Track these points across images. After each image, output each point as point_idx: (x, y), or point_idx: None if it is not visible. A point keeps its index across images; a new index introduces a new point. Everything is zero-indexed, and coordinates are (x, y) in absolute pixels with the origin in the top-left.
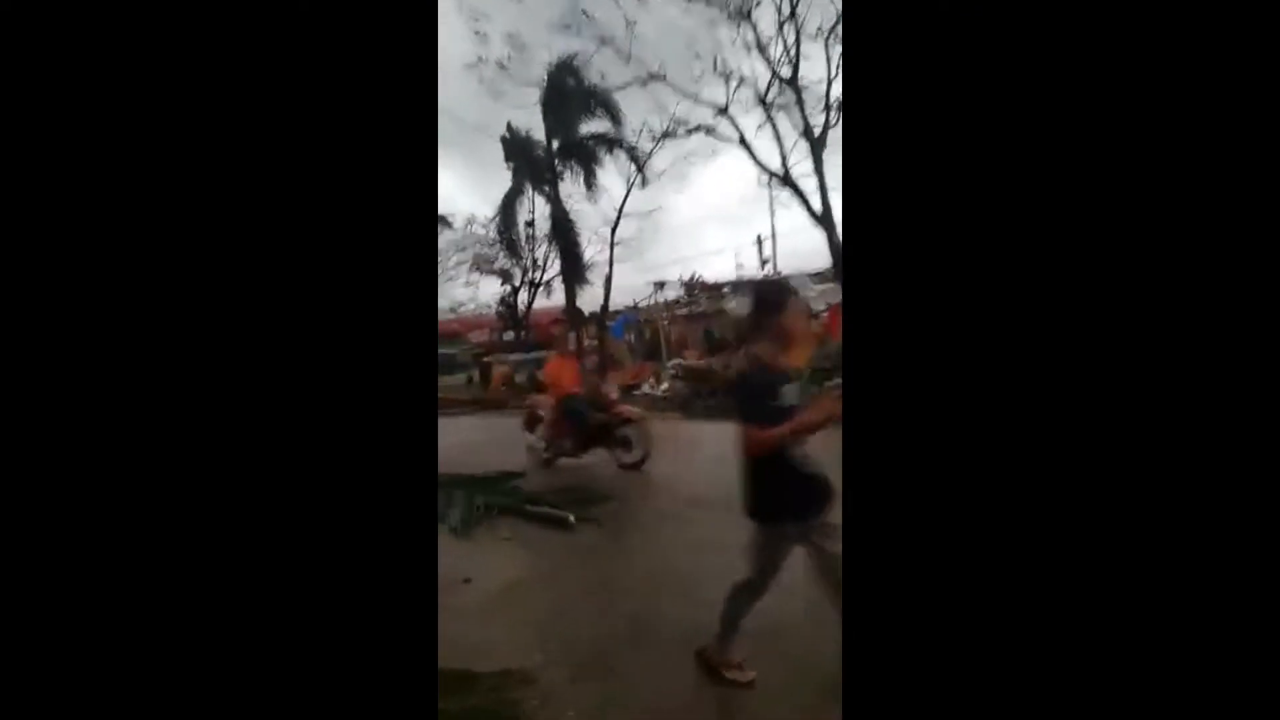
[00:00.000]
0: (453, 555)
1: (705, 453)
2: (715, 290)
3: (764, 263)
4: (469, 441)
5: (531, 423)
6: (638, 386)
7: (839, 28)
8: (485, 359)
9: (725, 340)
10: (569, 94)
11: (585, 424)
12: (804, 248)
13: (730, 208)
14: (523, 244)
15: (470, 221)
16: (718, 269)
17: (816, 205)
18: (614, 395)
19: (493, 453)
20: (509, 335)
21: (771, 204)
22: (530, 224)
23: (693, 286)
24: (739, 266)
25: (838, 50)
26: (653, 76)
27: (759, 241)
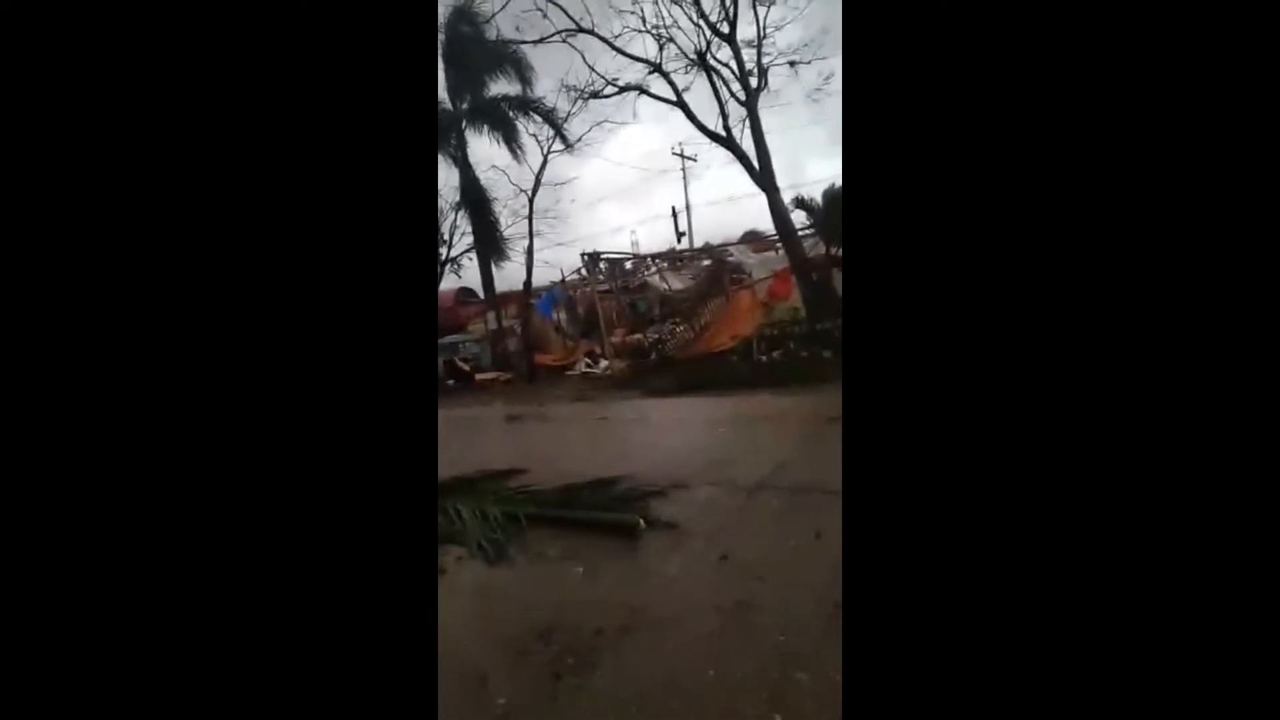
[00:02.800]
0: (498, 590)
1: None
2: (627, 263)
3: (680, 235)
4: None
5: None
6: (571, 367)
7: None
8: None
9: (651, 313)
10: (472, 46)
11: None
12: (708, 221)
13: (635, 181)
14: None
15: None
16: (621, 243)
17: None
18: None
19: (467, 449)
20: None
21: (685, 175)
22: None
23: (595, 259)
24: (634, 245)
25: (764, 11)
26: (579, 29)
27: (674, 214)
